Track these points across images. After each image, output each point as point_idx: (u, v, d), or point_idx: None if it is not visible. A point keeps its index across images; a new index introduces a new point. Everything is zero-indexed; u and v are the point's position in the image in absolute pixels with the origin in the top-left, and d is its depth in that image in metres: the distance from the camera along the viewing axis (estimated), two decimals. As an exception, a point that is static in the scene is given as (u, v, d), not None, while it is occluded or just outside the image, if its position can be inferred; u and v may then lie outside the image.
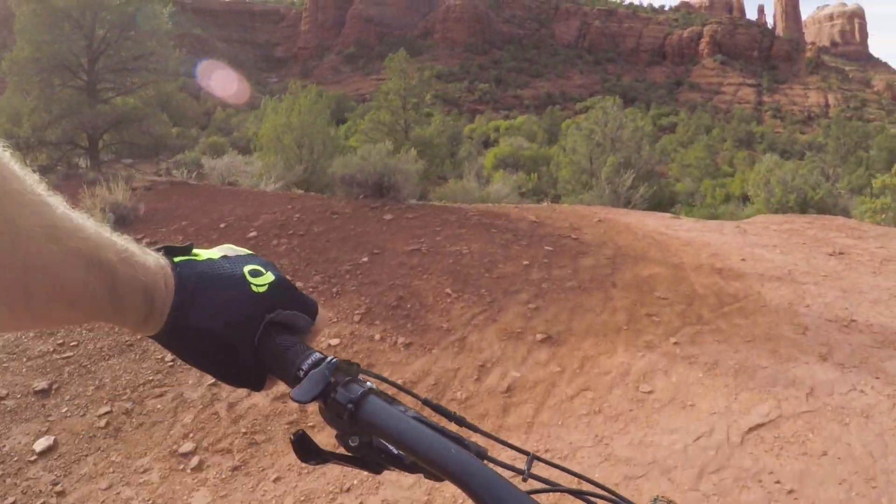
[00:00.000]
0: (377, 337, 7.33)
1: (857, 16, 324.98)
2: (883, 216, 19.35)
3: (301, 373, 0.88)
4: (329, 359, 0.89)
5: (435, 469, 0.77)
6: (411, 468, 0.87)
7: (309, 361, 0.89)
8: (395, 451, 0.86)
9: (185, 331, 0.87)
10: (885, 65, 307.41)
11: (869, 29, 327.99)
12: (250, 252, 1.02)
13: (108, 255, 0.75)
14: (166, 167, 24.05)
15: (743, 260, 10.22)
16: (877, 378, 6.40)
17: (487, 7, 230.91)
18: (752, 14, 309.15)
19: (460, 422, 0.94)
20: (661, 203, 37.89)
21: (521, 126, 79.92)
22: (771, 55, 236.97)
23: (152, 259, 0.85)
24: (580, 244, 10.41)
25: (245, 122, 71.33)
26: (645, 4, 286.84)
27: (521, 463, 0.89)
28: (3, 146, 0.64)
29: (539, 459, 0.91)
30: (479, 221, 11.24)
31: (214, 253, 0.97)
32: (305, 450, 0.90)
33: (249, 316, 0.92)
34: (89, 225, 0.73)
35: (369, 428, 0.82)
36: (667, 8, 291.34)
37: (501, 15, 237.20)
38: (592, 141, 30.32)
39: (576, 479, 1.01)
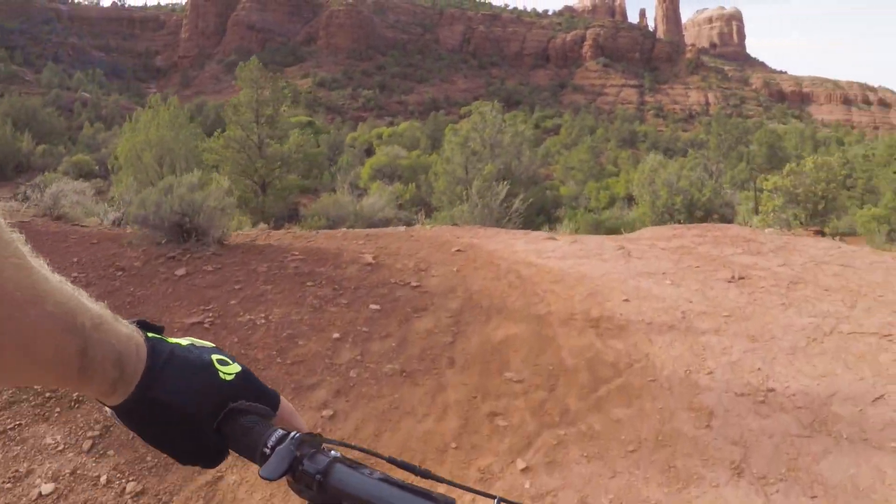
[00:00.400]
0: (103, 479, 4.89)
1: (735, 18, 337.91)
2: (773, 218, 17.94)
3: (267, 450, 0.89)
4: (293, 434, 0.90)
5: None
6: None
7: (273, 438, 0.90)
8: None
9: (152, 401, 0.87)
10: (762, 64, 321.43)
11: (746, 30, 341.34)
12: (213, 345, 1.01)
13: (83, 320, 0.76)
14: (24, 190, 21.44)
15: (626, 300, 8.24)
16: (814, 498, 4.44)
17: (371, 12, 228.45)
18: (633, 17, 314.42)
19: (425, 475, 0.93)
20: (545, 207, 36.52)
21: (404, 133, 77.77)
22: (652, 57, 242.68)
23: (125, 328, 0.86)
24: (420, 295, 8.20)
25: (115, 138, 67.19)
26: (529, 9, 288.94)
27: None
28: None
29: (505, 501, 0.90)
30: (297, 271, 8.86)
31: (181, 341, 0.96)
32: None
33: (215, 400, 0.92)
34: (67, 288, 0.75)
35: (339, 494, 0.84)
36: (550, 12, 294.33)
37: (385, 20, 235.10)
38: (468, 148, 28.24)
39: None
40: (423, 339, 7.01)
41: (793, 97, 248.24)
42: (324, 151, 59.39)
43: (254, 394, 0.97)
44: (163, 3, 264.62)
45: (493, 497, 0.91)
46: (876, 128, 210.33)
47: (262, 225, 20.89)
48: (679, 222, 25.66)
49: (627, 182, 43.19)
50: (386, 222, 28.41)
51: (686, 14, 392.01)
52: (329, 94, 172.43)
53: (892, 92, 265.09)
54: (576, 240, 12.28)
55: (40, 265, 0.70)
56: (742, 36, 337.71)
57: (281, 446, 0.87)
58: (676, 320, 7.56)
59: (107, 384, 0.81)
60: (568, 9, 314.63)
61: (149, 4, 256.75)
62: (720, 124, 63.08)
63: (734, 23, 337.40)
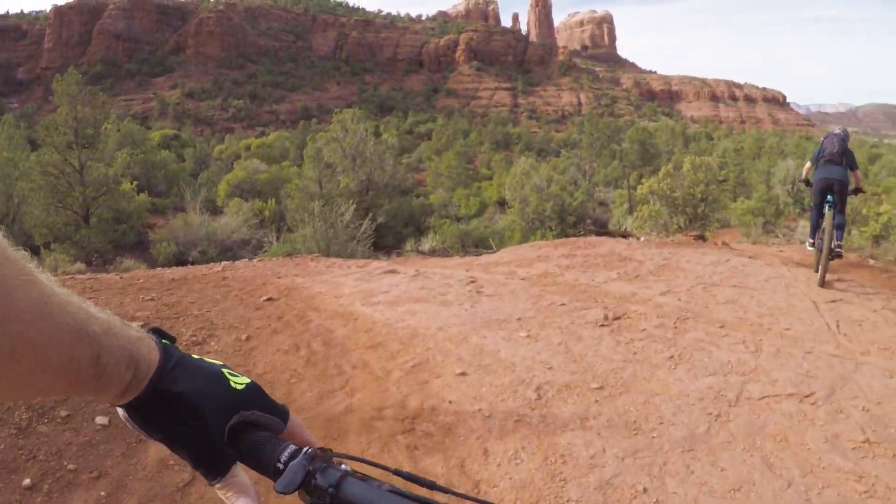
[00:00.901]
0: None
1: (606, 21, 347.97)
2: (650, 225, 16.20)
3: (280, 465, 0.92)
4: (305, 449, 0.93)
5: None
6: None
7: (287, 453, 0.93)
8: None
9: (164, 394, 0.89)
10: (633, 65, 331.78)
11: (617, 32, 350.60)
12: (221, 363, 1.02)
13: (93, 327, 0.78)
14: None
15: (462, 373, 6.06)
16: None
17: (242, 19, 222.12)
18: (507, 22, 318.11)
19: (432, 486, 0.96)
20: (414, 217, 34.70)
21: (273, 143, 74.38)
22: (525, 60, 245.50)
23: (135, 331, 0.88)
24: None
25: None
26: (402, 14, 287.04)
27: None
28: None
29: None
30: None
31: (192, 355, 0.98)
32: None
33: (227, 403, 0.94)
34: (75, 300, 0.78)
35: None
36: (424, 17, 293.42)
37: (257, 27, 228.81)
38: (321, 161, 25.77)
39: None
40: (151, 480, 4.51)
41: (662, 95, 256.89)
42: (188, 167, 56.03)
43: (264, 406, 0.98)
44: (25, 11, 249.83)
45: None
46: (743, 122, 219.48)
47: (78, 265, 18.14)
48: (550, 229, 24.08)
49: (500, 186, 41.67)
50: (242, 244, 25.87)
51: (558, 17, 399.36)
52: (198, 104, 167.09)
53: (756, 88, 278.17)
54: (418, 273, 10.01)
55: (48, 279, 0.72)
56: (613, 38, 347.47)
57: (294, 461, 0.90)
58: (528, 406, 5.37)
59: (122, 386, 0.84)
60: (442, 14, 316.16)
61: (10, 13, 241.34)
62: (592, 124, 64.10)
63: (605, 25, 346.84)
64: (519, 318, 7.58)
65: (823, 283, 9.36)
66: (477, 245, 25.37)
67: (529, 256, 11.66)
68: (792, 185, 37.65)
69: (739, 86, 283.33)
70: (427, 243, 25.75)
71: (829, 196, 9.75)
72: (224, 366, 0.99)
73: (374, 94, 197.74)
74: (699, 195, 16.21)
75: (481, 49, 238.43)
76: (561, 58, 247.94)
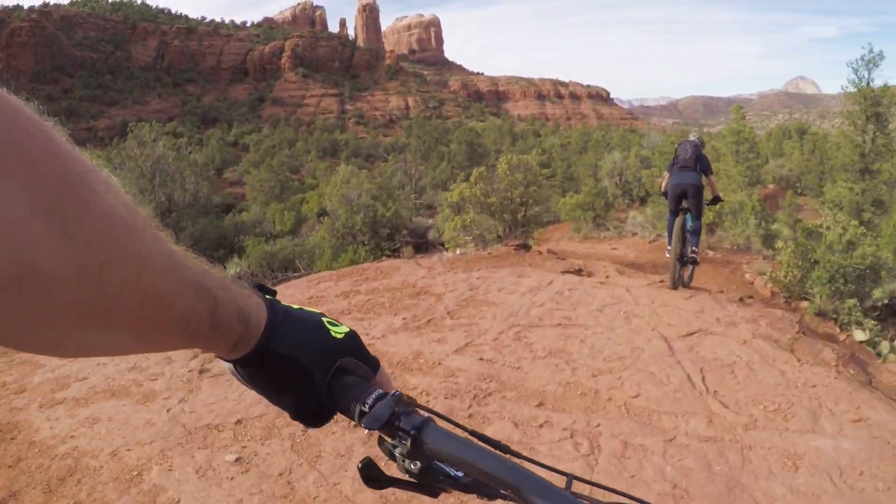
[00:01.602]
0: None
1: (434, 25, 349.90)
2: (466, 240, 13.75)
3: (366, 406, 0.94)
4: (392, 392, 0.96)
5: (495, 482, 0.86)
6: (468, 488, 0.93)
7: (373, 397, 0.95)
8: (452, 473, 0.93)
9: (272, 354, 0.91)
10: (460, 67, 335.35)
11: (445, 35, 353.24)
12: (320, 312, 1.06)
13: (210, 281, 0.81)
14: None
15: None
16: None
17: (58, 29, 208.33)
18: (334, 27, 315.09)
19: (505, 450, 0.95)
20: (227, 237, 31.72)
21: (88, 164, 68.45)
22: (352, 65, 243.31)
23: (245, 289, 0.91)
24: None
25: None
26: (227, 21, 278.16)
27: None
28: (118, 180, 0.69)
29: (578, 479, 0.96)
30: None
31: (294, 305, 1.01)
32: (370, 476, 0.97)
33: (327, 355, 0.97)
34: (190, 255, 0.81)
35: (431, 451, 0.89)
36: (249, 24, 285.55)
37: (73, 37, 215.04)
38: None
39: (616, 496, 1.03)
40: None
41: (490, 96, 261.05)
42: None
43: (359, 354, 1.02)
44: None
45: (566, 474, 0.94)
46: (569, 119, 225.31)
47: None
48: (363, 244, 21.57)
49: (320, 197, 38.71)
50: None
51: (386, 22, 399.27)
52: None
53: (581, 85, 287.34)
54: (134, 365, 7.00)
55: (166, 236, 0.74)
56: (440, 41, 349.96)
57: (381, 402, 0.92)
58: None
59: (233, 339, 0.86)
60: (268, 20, 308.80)
61: None
62: (419, 127, 65.27)
63: (432, 29, 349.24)
64: (235, 425, 4.84)
65: (676, 286, 9.23)
66: (286, 268, 22.64)
67: (299, 298, 8.92)
68: (619, 176, 37.33)
69: (565, 84, 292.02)
70: (231, 269, 22.60)
71: (683, 202, 9.65)
72: (323, 314, 1.02)
73: (196, 105, 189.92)
74: (518, 199, 13.85)
75: (307, 55, 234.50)
76: (388, 62, 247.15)
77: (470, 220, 13.50)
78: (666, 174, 10.20)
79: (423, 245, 20.99)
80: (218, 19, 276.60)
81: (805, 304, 10.77)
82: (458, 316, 7.34)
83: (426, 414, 0.92)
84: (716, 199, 10.58)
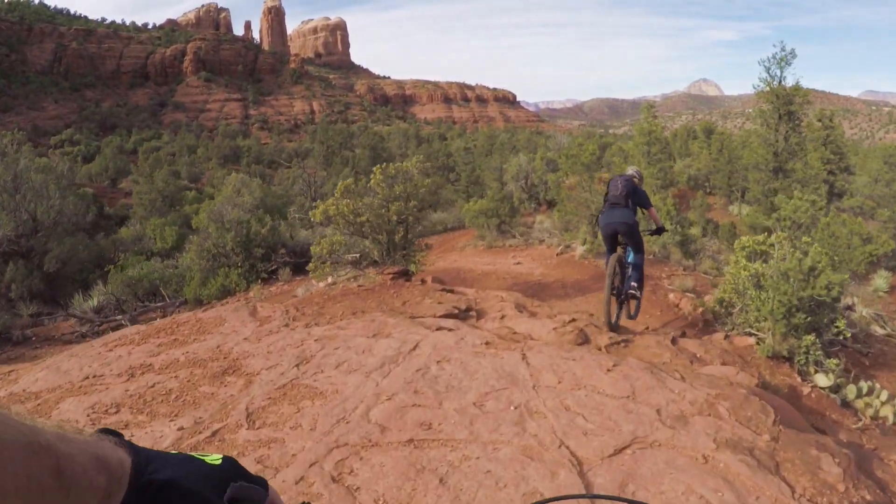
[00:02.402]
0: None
1: (340, 28, 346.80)
2: (334, 268, 11.26)
3: None
4: None
5: None
6: None
7: None
8: None
9: (155, 486, 0.82)
10: (367, 71, 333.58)
11: (351, 39, 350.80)
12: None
13: (45, 437, 0.72)
14: None
15: None
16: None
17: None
18: (239, 30, 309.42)
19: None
20: (104, 257, 28.83)
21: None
22: (256, 69, 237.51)
23: (88, 433, 0.81)
24: None
25: None
26: (128, 23, 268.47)
27: None
28: None
29: None
30: None
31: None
32: None
33: (213, 481, 0.89)
34: (14, 410, 0.72)
35: None
36: (150, 26, 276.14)
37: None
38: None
39: None
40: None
41: (397, 100, 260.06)
42: None
43: (245, 476, 0.94)
44: None
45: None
46: (476, 122, 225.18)
47: None
48: (237, 266, 18.92)
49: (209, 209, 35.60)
50: None
51: (292, 25, 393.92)
52: None
53: (488, 89, 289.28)
54: None
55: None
56: (346, 45, 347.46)
57: None
58: None
59: (100, 493, 0.75)
60: (171, 22, 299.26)
61: None
62: (323, 132, 63.42)
63: (339, 32, 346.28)
64: None
65: (612, 327, 8.59)
66: (154, 294, 19.92)
67: (73, 379, 6.27)
68: (525, 179, 36.33)
69: (471, 87, 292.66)
70: (94, 298, 19.71)
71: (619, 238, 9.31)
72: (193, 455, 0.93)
73: (95, 111, 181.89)
74: (394, 217, 11.35)
75: (210, 59, 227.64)
76: (293, 66, 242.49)
77: (337, 244, 10.99)
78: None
79: (306, 265, 18.54)
80: (119, 20, 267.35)
81: (748, 339, 8.74)
82: (261, 422, 4.73)
83: None
84: (659, 230, 10.09)
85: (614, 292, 8.96)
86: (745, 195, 40.63)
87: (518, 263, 16.46)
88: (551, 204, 29.45)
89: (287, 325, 7.47)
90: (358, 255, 11.30)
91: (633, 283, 9.15)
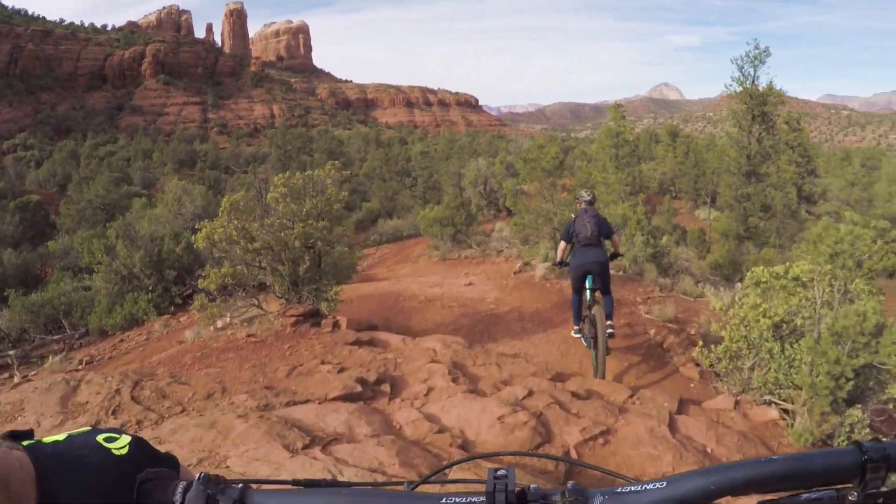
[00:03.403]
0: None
1: (302, 31, 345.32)
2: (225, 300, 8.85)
3: (176, 501, 0.91)
4: (198, 476, 0.92)
5: None
6: None
7: (180, 489, 0.92)
8: None
9: (62, 501, 0.82)
10: (329, 74, 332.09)
11: (313, 42, 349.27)
12: (89, 428, 0.97)
13: None
14: None
15: None
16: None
17: None
18: (200, 32, 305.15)
19: (344, 485, 0.97)
20: (30, 273, 26.55)
21: None
22: (216, 72, 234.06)
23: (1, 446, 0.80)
24: None
25: None
26: (87, 24, 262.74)
27: None
28: None
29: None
30: None
31: (57, 437, 0.92)
32: None
33: (119, 477, 0.90)
34: None
35: None
36: (110, 28, 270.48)
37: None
38: None
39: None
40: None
41: (358, 104, 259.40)
42: None
43: (152, 460, 0.95)
44: None
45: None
46: (438, 126, 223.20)
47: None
48: (149, 290, 16.48)
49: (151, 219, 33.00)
50: None
51: (254, 28, 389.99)
52: None
53: (450, 93, 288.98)
54: None
55: None
56: (309, 48, 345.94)
57: (190, 491, 0.89)
58: None
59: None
60: (131, 24, 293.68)
61: None
62: (280, 135, 61.25)
63: (301, 36, 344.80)
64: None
65: (604, 376, 8.16)
66: (58, 323, 17.59)
67: None
68: (484, 185, 34.71)
69: (433, 91, 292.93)
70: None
71: (588, 279, 8.99)
72: (96, 430, 0.93)
73: (50, 114, 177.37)
74: (297, 242, 8.80)
75: (169, 61, 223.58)
76: (253, 69, 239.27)
77: (231, 276, 8.50)
78: (563, 244, 9.50)
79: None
80: (78, 22, 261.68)
81: (769, 411, 6.50)
82: None
83: (240, 484, 0.89)
84: (615, 255, 9.83)
85: (593, 343, 8.55)
86: (716, 200, 39.28)
87: (470, 284, 14.21)
88: (511, 211, 27.60)
89: (99, 424, 5.08)
90: (256, 289, 8.87)
91: (611, 325, 8.49)
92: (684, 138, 53.02)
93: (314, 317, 8.69)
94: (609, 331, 8.40)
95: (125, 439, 0.92)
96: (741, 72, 28.09)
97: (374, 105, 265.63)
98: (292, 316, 8.31)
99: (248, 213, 8.74)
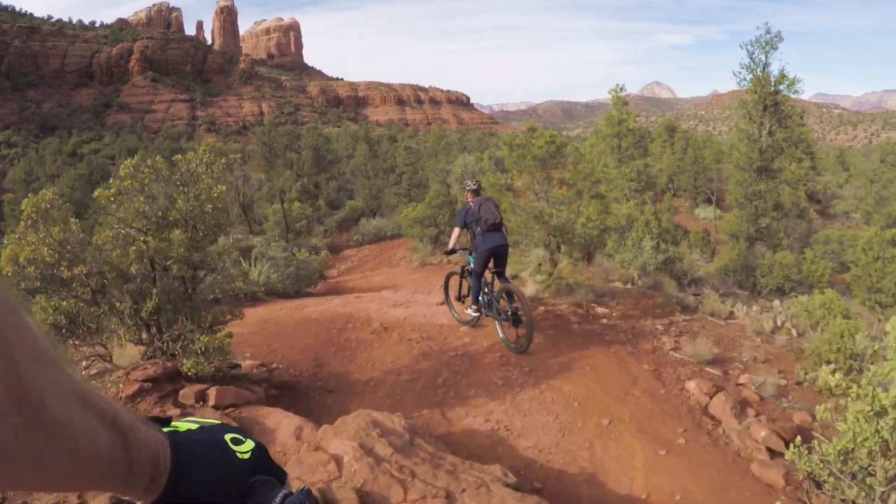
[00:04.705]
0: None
1: (293, 29, 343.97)
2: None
3: (277, 501, 0.96)
4: (302, 489, 0.99)
5: None
6: None
7: (280, 496, 0.97)
8: None
9: (185, 493, 0.88)
10: (320, 72, 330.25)
11: (304, 40, 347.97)
12: (219, 422, 1.04)
13: (123, 419, 0.78)
14: None
15: None
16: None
17: None
18: (191, 30, 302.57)
19: None
20: None
21: None
22: (205, 69, 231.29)
23: (150, 427, 0.88)
24: None
25: None
26: (74, 21, 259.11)
27: None
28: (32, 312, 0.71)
29: None
30: None
31: (191, 425, 0.98)
32: None
33: (238, 481, 0.96)
34: (96, 388, 0.84)
35: None
36: (99, 24, 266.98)
37: None
38: None
39: None
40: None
41: (349, 102, 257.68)
42: None
43: (269, 469, 1.01)
44: None
45: None
46: (429, 124, 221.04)
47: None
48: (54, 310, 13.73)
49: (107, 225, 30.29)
50: None
51: (245, 26, 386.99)
52: None
53: (441, 91, 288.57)
54: None
55: (74, 368, 0.73)
56: (300, 46, 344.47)
57: (291, 498, 0.95)
58: None
59: (145, 482, 0.82)
60: (121, 21, 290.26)
61: None
62: (266, 132, 59.13)
63: (292, 33, 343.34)
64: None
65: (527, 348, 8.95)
66: None
67: None
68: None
69: (425, 89, 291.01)
70: None
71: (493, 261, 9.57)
72: (225, 427, 0.99)
73: (36, 111, 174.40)
74: (134, 266, 5.85)
75: (158, 58, 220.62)
76: (242, 66, 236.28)
77: (59, 313, 5.62)
78: (456, 231, 9.98)
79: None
80: (66, 19, 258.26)
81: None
82: None
83: None
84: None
85: (507, 317, 9.15)
86: (717, 199, 37.02)
87: (443, 303, 11.44)
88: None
89: None
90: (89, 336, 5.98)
91: (517, 306, 9.05)
92: (682, 133, 51.29)
93: (172, 381, 5.72)
94: (518, 314, 9.01)
95: (249, 444, 0.97)
96: (751, 58, 25.31)
97: (366, 103, 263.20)
98: (136, 381, 5.43)
99: (64, 223, 5.82)
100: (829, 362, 9.42)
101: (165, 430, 0.89)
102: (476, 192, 9.80)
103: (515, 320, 9.09)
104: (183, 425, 0.94)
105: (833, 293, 12.92)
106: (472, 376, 8.37)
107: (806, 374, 9.60)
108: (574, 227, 11.78)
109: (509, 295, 9.21)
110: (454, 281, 10.91)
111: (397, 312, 11.17)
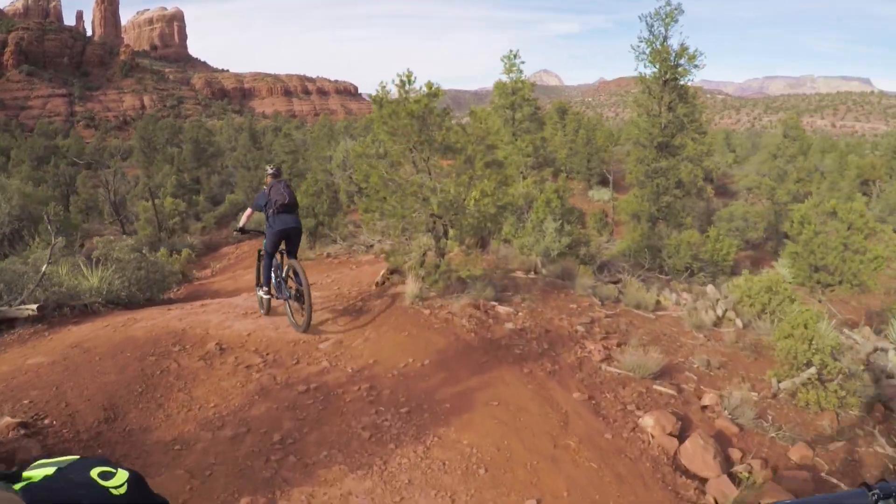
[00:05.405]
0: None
1: (177, 19, 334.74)
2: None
3: None
4: None
5: None
6: None
7: None
8: None
9: None
10: (205, 64, 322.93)
11: (189, 31, 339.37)
12: (77, 457, 0.93)
13: None
14: None
15: None
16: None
17: None
18: (70, 20, 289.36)
19: None
20: None
21: None
22: (84, 61, 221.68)
23: None
24: None
25: None
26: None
27: None
28: None
29: None
30: None
31: (47, 470, 0.88)
32: None
33: None
34: None
35: None
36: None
37: None
38: None
39: None
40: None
41: (235, 94, 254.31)
42: None
43: (145, 499, 0.92)
44: None
45: None
46: (317, 114, 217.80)
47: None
48: None
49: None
50: None
51: (127, 15, 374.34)
52: None
53: (329, 81, 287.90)
54: None
55: None
56: (184, 36, 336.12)
57: None
58: None
59: None
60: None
61: None
62: (145, 127, 60.29)
63: (176, 23, 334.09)
64: None
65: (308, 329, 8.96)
66: None
67: None
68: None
69: (312, 80, 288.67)
70: None
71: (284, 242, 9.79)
72: (91, 461, 0.89)
73: None
74: None
75: (33, 50, 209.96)
76: (123, 57, 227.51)
77: None
78: (248, 211, 10.26)
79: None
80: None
81: None
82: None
83: None
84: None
85: (292, 295, 9.26)
86: (613, 180, 36.21)
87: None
88: (363, 190, 23.36)
89: None
90: None
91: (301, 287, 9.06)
92: (574, 115, 50.82)
93: None
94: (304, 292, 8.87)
95: (122, 475, 0.87)
96: (650, 31, 24.03)
97: (252, 95, 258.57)
98: None
99: None
100: (808, 364, 7.58)
101: (17, 486, 0.78)
102: (276, 176, 9.88)
103: (298, 298, 9.11)
104: (37, 473, 0.82)
105: (775, 274, 11.32)
106: (326, 426, 5.96)
107: (779, 382, 7.73)
108: (465, 204, 9.56)
109: (296, 274, 9.21)
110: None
111: (244, 325, 8.70)
